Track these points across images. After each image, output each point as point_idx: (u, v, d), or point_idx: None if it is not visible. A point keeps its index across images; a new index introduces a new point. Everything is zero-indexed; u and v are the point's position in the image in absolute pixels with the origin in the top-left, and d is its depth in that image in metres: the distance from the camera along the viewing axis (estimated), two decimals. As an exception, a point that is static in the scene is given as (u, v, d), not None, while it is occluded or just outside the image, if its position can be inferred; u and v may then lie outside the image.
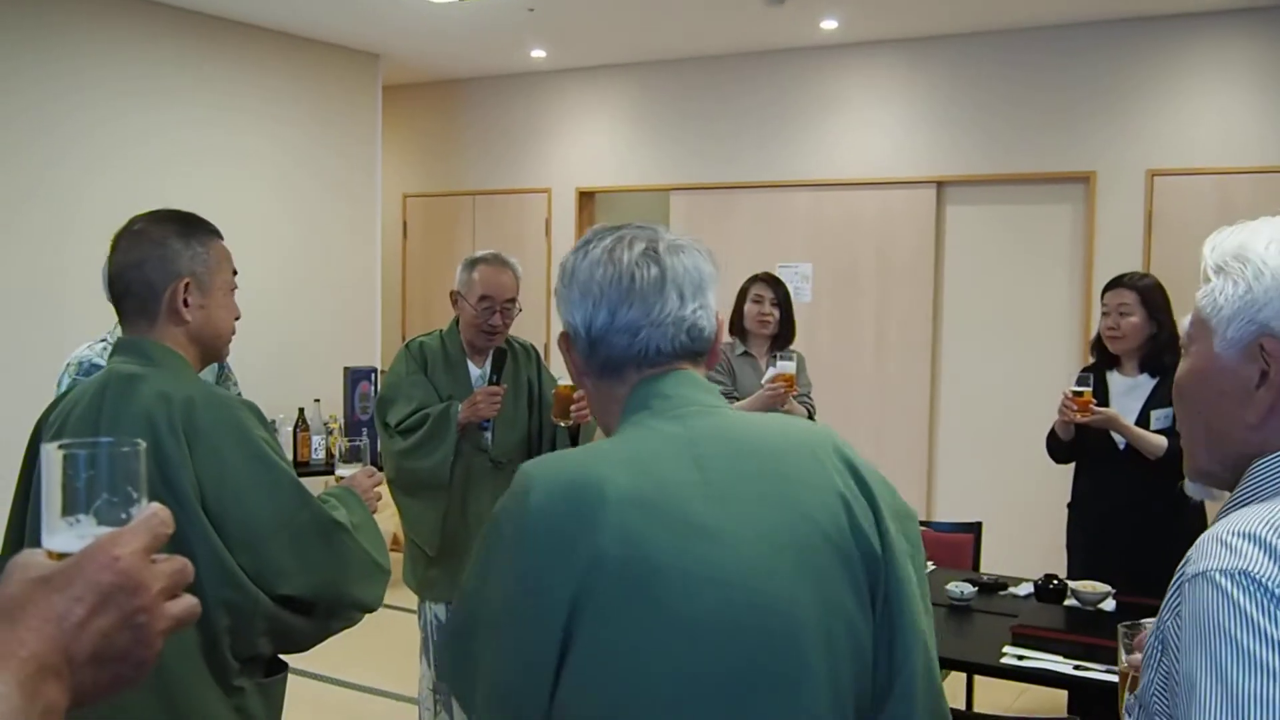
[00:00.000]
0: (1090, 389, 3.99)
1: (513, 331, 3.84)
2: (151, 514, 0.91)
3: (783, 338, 4.78)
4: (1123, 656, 1.59)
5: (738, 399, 4.58)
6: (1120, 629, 1.63)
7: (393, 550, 7.49)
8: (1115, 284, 4.12)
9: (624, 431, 1.49)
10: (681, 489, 1.38)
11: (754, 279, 4.84)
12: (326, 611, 2.18)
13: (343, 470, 2.49)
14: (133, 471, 0.92)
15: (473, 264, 3.74)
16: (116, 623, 0.85)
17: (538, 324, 7.84)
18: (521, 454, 3.77)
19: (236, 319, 2.26)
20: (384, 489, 2.51)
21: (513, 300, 3.73)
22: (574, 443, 3.75)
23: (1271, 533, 1.10)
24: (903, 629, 1.42)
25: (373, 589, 2.23)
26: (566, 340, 1.56)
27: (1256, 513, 1.14)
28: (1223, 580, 1.07)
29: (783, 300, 4.78)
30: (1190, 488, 1.33)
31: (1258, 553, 1.08)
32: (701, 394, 1.51)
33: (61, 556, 0.88)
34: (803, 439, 1.49)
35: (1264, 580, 1.06)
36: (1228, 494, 1.27)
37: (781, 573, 1.36)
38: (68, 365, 3.23)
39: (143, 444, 0.93)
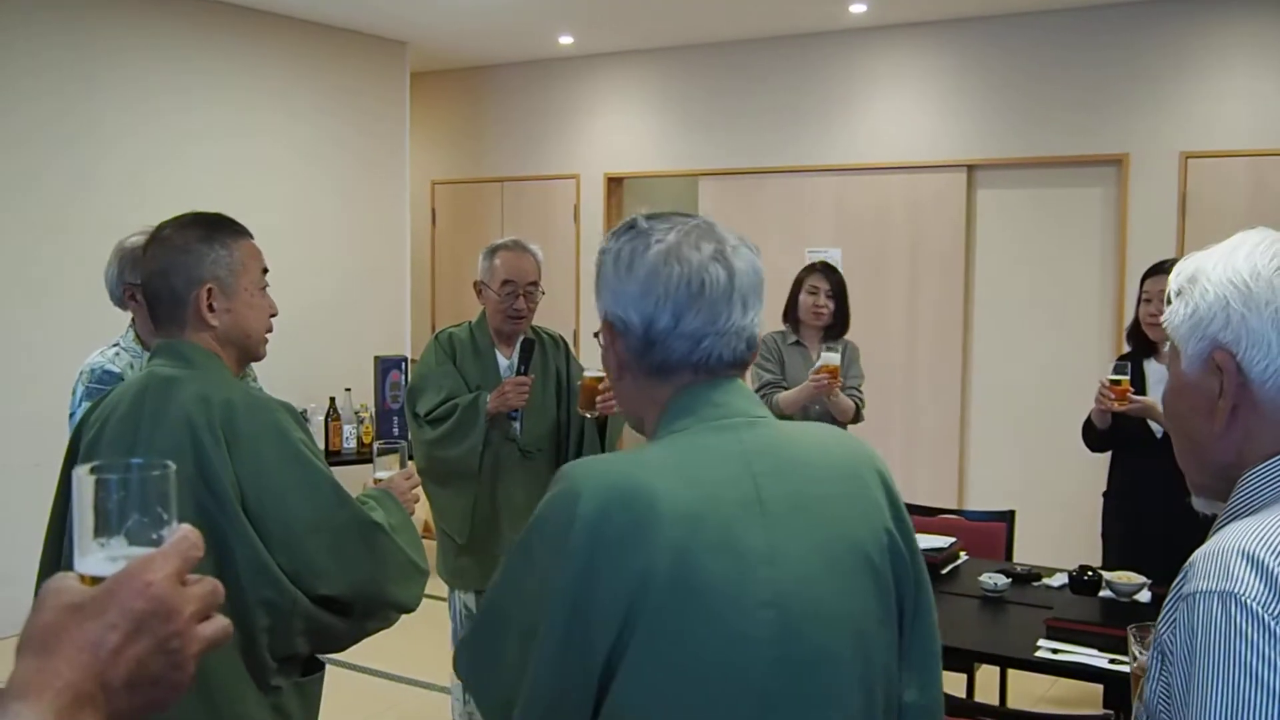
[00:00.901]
0: (1128, 377, 3.96)
1: (540, 318, 3.86)
2: (182, 537, 0.91)
3: (836, 328, 4.74)
4: (1134, 656, 1.60)
5: (785, 388, 4.56)
6: (1130, 630, 1.64)
7: (425, 537, 7.55)
8: (1157, 270, 4.08)
9: (673, 439, 1.44)
10: (735, 507, 1.36)
11: (810, 269, 4.80)
12: (364, 612, 2.19)
13: (380, 472, 2.49)
14: (163, 493, 0.92)
15: (493, 251, 3.76)
16: (150, 648, 0.86)
17: (566, 311, 7.84)
18: (550, 443, 3.79)
19: (273, 315, 2.26)
20: (420, 490, 2.52)
21: (535, 283, 3.74)
22: (601, 434, 3.75)
23: (1262, 549, 1.12)
24: (928, 650, 1.49)
25: (411, 589, 2.24)
26: (612, 331, 1.50)
27: (1248, 527, 1.17)
28: (1214, 602, 1.11)
29: (838, 291, 4.72)
30: (1196, 503, 1.37)
31: (1249, 573, 1.11)
32: (751, 405, 1.49)
33: (94, 580, 0.88)
34: (847, 458, 1.48)
35: (1251, 603, 1.09)
36: None
37: (828, 597, 1.37)
38: (81, 373, 3.21)
39: (173, 466, 0.93)
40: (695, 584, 1.30)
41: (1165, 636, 1.17)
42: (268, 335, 2.27)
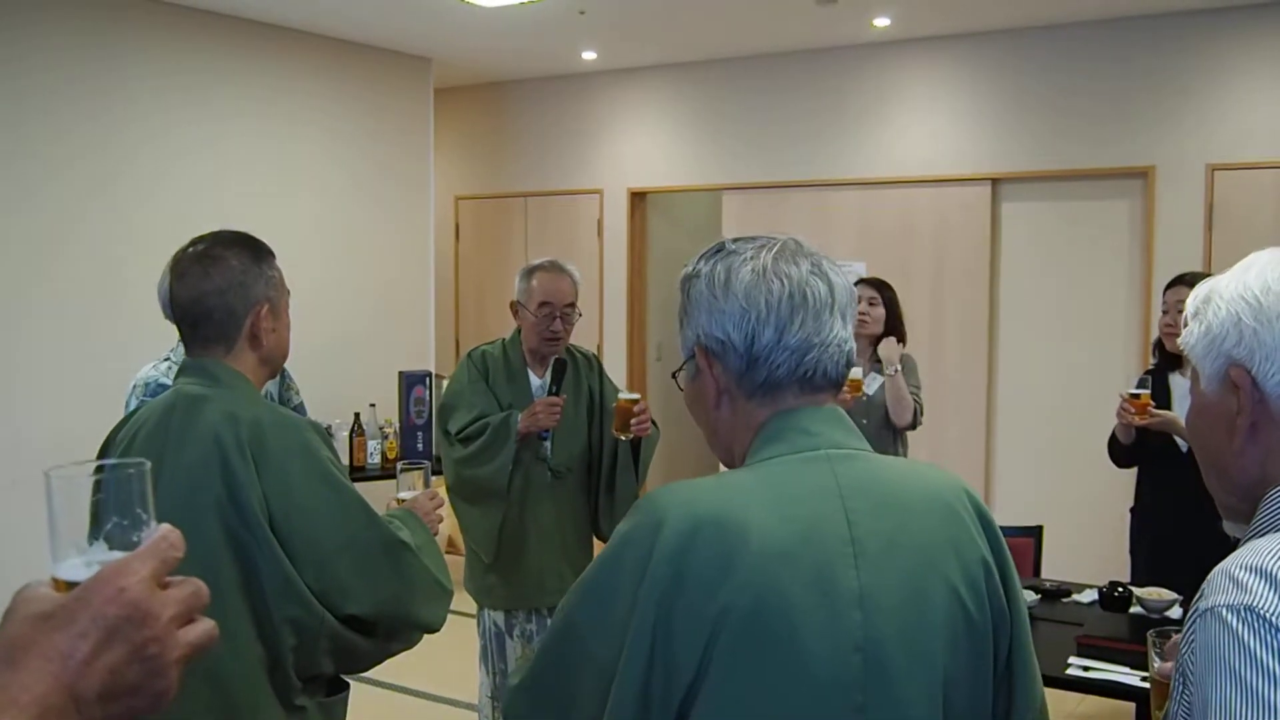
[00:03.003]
0: (1148, 391, 3.94)
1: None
2: (160, 537, 0.86)
3: (887, 338, 4.72)
4: (1154, 664, 1.59)
5: None
6: (1150, 636, 1.64)
7: (448, 552, 7.54)
8: (1176, 282, 4.09)
9: (763, 467, 1.39)
10: (829, 545, 1.32)
11: (860, 280, 4.81)
12: (388, 631, 2.19)
13: (404, 492, 2.49)
14: (140, 493, 0.88)
15: (530, 272, 3.75)
16: (125, 656, 0.81)
17: (590, 327, 7.84)
18: (581, 465, 3.78)
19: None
20: (445, 509, 2.51)
21: (572, 305, 3.73)
22: (635, 457, 3.74)
23: (1277, 566, 1.11)
24: (1025, 689, 1.44)
25: (436, 610, 2.24)
26: (709, 355, 1.45)
27: (1265, 544, 1.16)
28: (1229, 616, 1.10)
29: (888, 301, 4.71)
30: (1226, 527, 1.36)
31: (1264, 588, 1.10)
32: (846, 436, 1.44)
33: (70, 586, 0.84)
34: (944, 494, 1.43)
35: (1268, 614, 1.08)
36: None
37: (918, 642, 1.33)
38: (134, 386, 3.26)
39: (148, 464, 0.90)
40: (781, 624, 1.26)
41: (1186, 657, 1.17)
42: None
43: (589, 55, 7.58)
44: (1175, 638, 1.56)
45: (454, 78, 8.24)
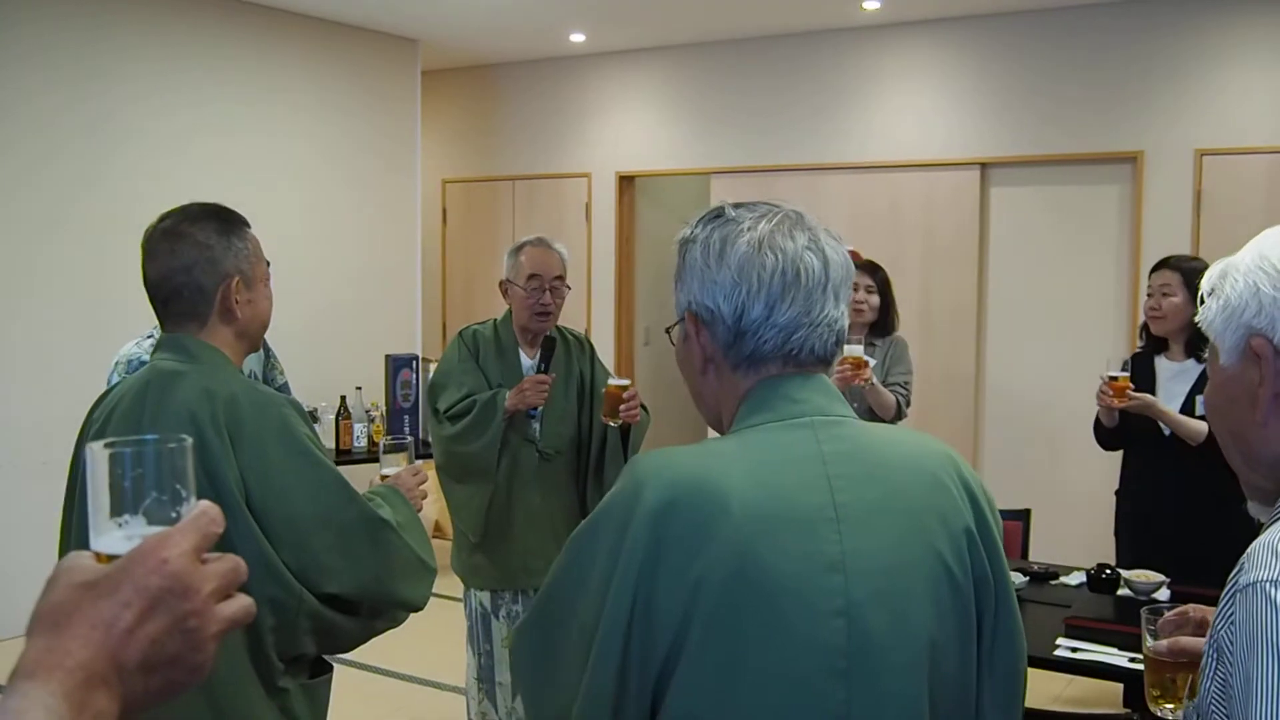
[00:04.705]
0: (1127, 374, 3.94)
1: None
2: (201, 512, 0.87)
3: (880, 325, 4.70)
4: (1147, 642, 1.59)
5: None
6: (1143, 614, 1.64)
7: (435, 537, 7.53)
8: (1161, 265, 4.11)
9: (747, 434, 1.39)
10: (810, 511, 1.31)
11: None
12: (371, 610, 2.17)
13: (387, 469, 2.46)
14: (180, 468, 0.89)
15: (518, 249, 3.75)
16: (167, 627, 0.82)
17: (578, 309, 7.82)
18: (570, 448, 3.77)
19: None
20: (429, 486, 2.49)
21: (560, 278, 3.72)
22: (624, 442, 3.73)
23: None
24: (1011, 668, 1.44)
25: (419, 588, 2.21)
26: (698, 322, 1.44)
27: None
28: (1273, 591, 1.08)
29: (881, 286, 4.68)
30: (1252, 508, 1.34)
31: None
32: (831, 402, 1.43)
33: (110, 559, 0.85)
34: (929, 462, 1.43)
35: None
36: None
37: (901, 608, 1.32)
38: (116, 363, 3.23)
39: (189, 440, 0.90)
40: (761, 588, 1.26)
41: (1222, 632, 1.15)
42: None
43: (577, 37, 7.55)
44: (1168, 615, 1.55)
45: (442, 60, 8.20)
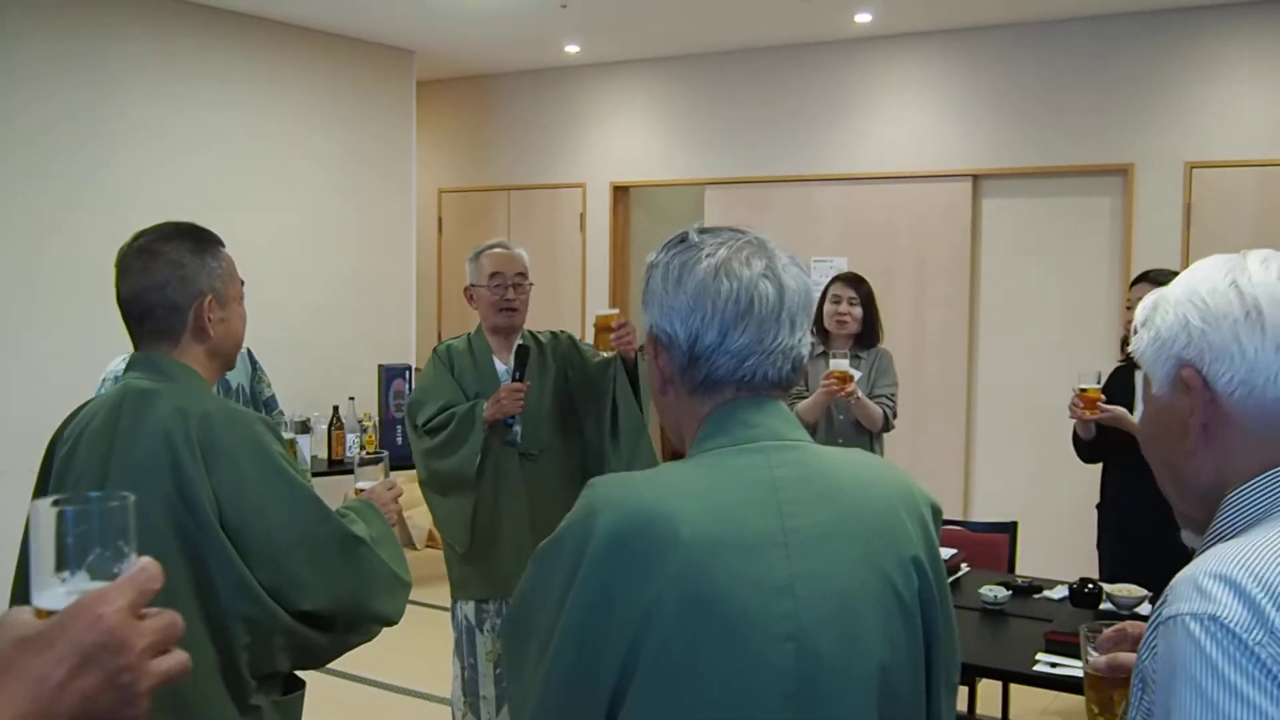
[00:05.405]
0: (1099, 386, 3.95)
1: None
2: (140, 569, 0.90)
3: (865, 337, 4.71)
4: (1088, 658, 1.60)
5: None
6: (1082, 630, 1.65)
7: (429, 547, 7.54)
8: (1140, 279, 4.13)
9: (700, 460, 1.41)
10: (760, 537, 1.33)
11: (835, 278, 4.79)
12: (346, 625, 2.18)
13: (362, 483, 2.48)
14: (123, 526, 0.91)
15: (478, 254, 3.86)
16: (100, 683, 0.84)
17: (573, 319, 7.84)
18: (559, 444, 3.77)
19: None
20: (403, 502, 2.50)
21: (523, 274, 3.79)
22: (634, 385, 3.68)
23: (1244, 573, 1.10)
24: (950, 685, 1.47)
25: (393, 602, 2.23)
26: (657, 345, 1.47)
27: (1230, 550, 1.15)
28: (1194, 626, 1.08)
29: (865, 299, 4.70)
30: (1185, 537, 1.36)
31: (1230, 597, 1.08)
32: (786, 427, 1.45)
33: (49, 614, 0.87)
34: (881, 488, 1.45)
35: (1233, 627, 1.06)
36: None
37: (851, 632, 1.34)
38: (104, 379, 3.24)
39: (132, 498, 0.92)
40: (711, 613, 1.28)
41: (1147, 663, 1.16)
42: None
43: (572, 48, 7.57)
44: (1106, 632, 1.57)
45: (437, 70, 8.23)
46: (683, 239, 1.48)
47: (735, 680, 1.28)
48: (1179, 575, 1.16)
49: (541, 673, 1.33)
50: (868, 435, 4.67)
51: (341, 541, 2.13)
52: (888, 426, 4.66)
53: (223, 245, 2.23)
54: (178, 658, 0.90)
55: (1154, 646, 1.14)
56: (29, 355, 5.62)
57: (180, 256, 2.13)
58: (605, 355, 3.69)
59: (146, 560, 0.91)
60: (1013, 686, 4.34)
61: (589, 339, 3.72)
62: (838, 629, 1.33)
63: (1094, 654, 1.56)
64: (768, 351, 1.42)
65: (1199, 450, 1.25)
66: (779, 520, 1.34)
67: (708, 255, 1.43)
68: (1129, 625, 1.55)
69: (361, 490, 2.43)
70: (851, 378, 4.34)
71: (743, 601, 1.29)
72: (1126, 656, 1.51)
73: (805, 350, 1.48)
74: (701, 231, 1.49)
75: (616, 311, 3.69)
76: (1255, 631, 1.06)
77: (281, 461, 2.09)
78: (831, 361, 4.42)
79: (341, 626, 2.17)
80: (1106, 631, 1.56)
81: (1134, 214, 6.30)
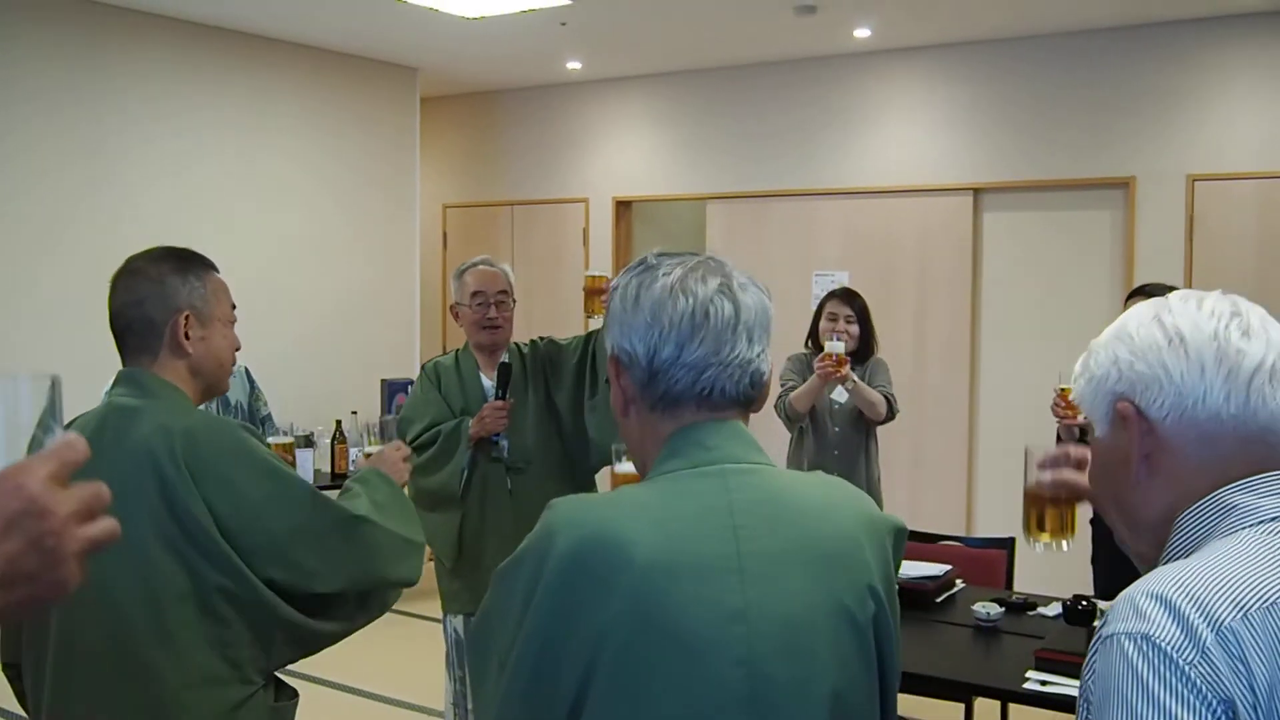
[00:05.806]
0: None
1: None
2: (63, 442, 0.95)
3: (862, 352, 4.72)
4: (1028, 477, 1.70)
5: None
6: (1026, 449, 1.76)
7: (427, 560, 7.54)
8: (1136, 293, 4.13)
9: (659, 483, 1.42)
10: (713, 560, 1.34)
11: (830, 295, 4.82)
12: (362, 598, 2.24)
13: (370, 447, 2.53)
14: (51, 403, 0.98)
15: (461, 272, 3.90)
16: (23, 546, 0.89)
17: (575, 330, 7.80)
18: (547, 455, 3.78)
19: (236, 349, 2.30)
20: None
21: (505, 292, 3.85)
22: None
23: (1179, 593, 1.11)
24: (895, 687, 1.49)
25: (407, 566, 2.27)
26: (618, 365, 1.48)
27: (1170, 571, 1.16)
28: (1127, 645, 1.10)
29: (860, 314, 4.71)
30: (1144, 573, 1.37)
31: (1164, 617, 1.10)
32: (745, 450, 1.45)
33: None
34: (839, 512, 1.46)
35: (1165, 646, 1.08)
36: None
37: (804, 658, 1.35)
38: (106, 395, 3.27)
39: (59, 376, 0.99)
40: (663, 637, 1.29)
41: (1088, 682, 1.16)
42: (232, 369, 2.31)
43: (574, 65, 7.60)
44: (1050, 451, 1.66)
45: (441, 87, 8.26)
46: (642, 262, 1.51)
47: (687, 704, 1.29)
48: (1119, 595, 1.17)
49: (500, 691, 1.34)
50: (864, 430, 4.68)
51: (342, 525, 2.17)
52: (891, 414, 4.66)
53: (215, 270, 2.27)
54: (105, 525, 0.94)
55: (1093, 664, 1.15)
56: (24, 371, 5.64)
57: (161, 275, 2.18)
58: (594, 318, 3.70)
59: (72, 434, 0.96)
60: (1011, 705, 4.32)
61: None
62: (790, 654, 1.33)
63: (1037, 472, 1.65)
64: (724, 364, 1.43)
65: (1142, 480, 1.28)
66: (734, 544, 1.35)
67: (664, 274, 1.46)
68: (1071, 448, 1.62)
69: (369, 454, 2.48)
70: (846, 360, 4.36)
71: (695, 625, 1.30)
72: (1071, 474, 1.60)
73: (765, 367, 1.48)
74: (660, 255, 1.51)
75: (605, 275, 3.74)
76: (1187, 651, 1.07)
77: (270, 460, 2.14)
78: (827, 344, 4.44)
79: (356, 601, 2.23)
80: (1050, 451, 1.64)
81: (1136, 227, 6.29)
